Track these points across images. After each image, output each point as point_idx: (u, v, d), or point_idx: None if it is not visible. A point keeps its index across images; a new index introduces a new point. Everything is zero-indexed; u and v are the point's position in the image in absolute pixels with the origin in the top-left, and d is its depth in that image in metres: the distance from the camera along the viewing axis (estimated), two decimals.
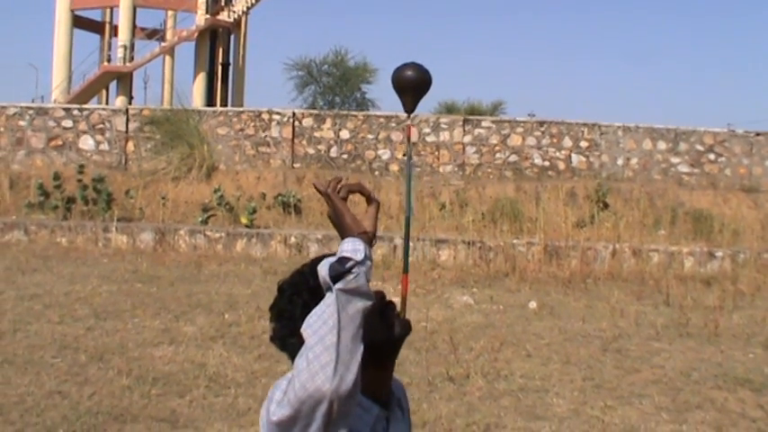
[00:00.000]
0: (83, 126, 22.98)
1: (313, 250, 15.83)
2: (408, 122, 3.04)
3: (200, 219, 17.43)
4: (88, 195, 18.01)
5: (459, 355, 8.50)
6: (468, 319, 10.60)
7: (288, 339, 2.26)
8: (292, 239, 16.08)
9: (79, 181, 18.03)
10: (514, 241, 15.74)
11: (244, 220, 17.05)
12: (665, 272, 14.87)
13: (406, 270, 2.72)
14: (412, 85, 2.92)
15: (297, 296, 2.27)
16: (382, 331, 2.23)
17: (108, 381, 7.27)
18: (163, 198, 18.55)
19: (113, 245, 16.28)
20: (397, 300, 2.37)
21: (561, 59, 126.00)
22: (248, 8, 45.01)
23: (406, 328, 2.29)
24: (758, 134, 23.16)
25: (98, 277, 12.63)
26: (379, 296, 2.27)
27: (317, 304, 2.18)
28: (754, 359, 9.07)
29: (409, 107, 2.96)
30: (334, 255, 2.28)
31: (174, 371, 7.64)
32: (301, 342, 2.22)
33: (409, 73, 2.89)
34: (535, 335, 9.80)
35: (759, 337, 10.16)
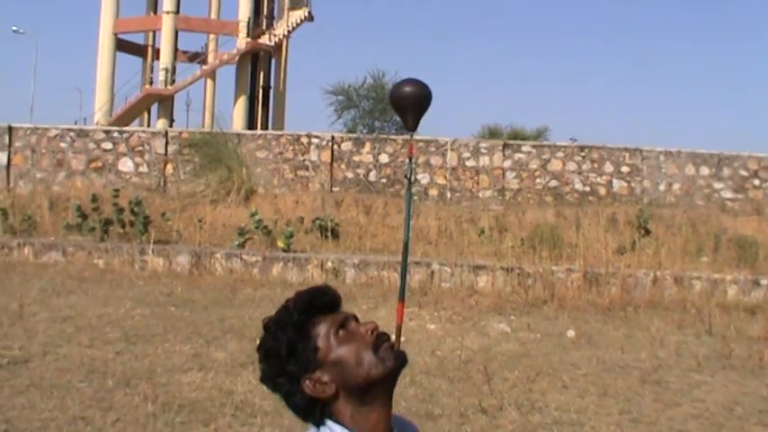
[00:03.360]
0: (122, 148, 23.09)
1: (350, 275, 15.67)
2: (411, 141, 2.92)
3: (236, 242, 17.33)
4: (125, 218, 18.01)
5: (494, 385, 8.28)
6: (504, 347, 10.37)
7: (277, 379, 2.16)
8: (329, 264, 15.92)
9: (115, 204, 18.00)
10: (554, 268, 15.47)
11: (281, 244, 16.93)
12: (707, 300, 14.52)
13: (401, 297, 2.59)
14: (411, 102, 2.80)
15: (281, 332, 2.14)
16: (377, 366, 2.10)
17: (133, 407, 7.13)
18: (199, 221, 18.49)
19: (149, 267, 16.22)
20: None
21: (605, 85, 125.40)
22: (289, 32, 45.23)
23: (402, 359, 2.15)
24: None
25: (132, 300, 12.54)
26: (372, 328, 2.14)
27: (302, 340, 2.12)
28: None
29: (411, 125, 2.83)
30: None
31: (201, 398, 7.48)
32: (291, 381, 2.11)
33: (408, 89, 2.77)
34: (572, 365, 9.54)
35: None
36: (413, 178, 2.85)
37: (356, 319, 2.20)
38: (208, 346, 9.67)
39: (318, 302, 2.18)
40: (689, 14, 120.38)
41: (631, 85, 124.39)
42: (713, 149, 22.79)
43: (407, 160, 3.05)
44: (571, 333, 11.41)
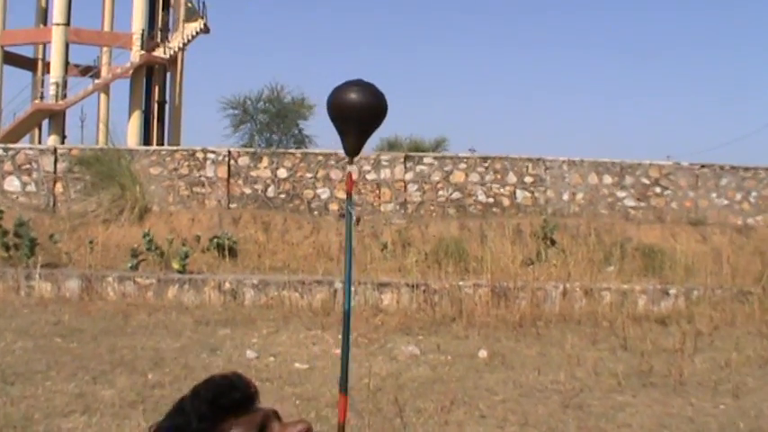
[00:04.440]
0: (8, 166, 21.96)
1: (249, 296, 14.96)
2: (350, 169, 2.17)
3: (129, 264, 16.49)
4: (10, 241, 17.00)
5: (407, 418, 7.67)
6: (415, 372, 9.79)
7: None
8: (227, 285, 15.18)
9: None
10: (460, 283, 14.99)
11: (175, 266, 16.13)
12: (618, 312, 14.25)
13: (343, 388, 1.96)
14: (357, 115, 2.04)
15: None
16: None
17: None
18: (90, 243, 17.59)
19: (36, 293, 15.27)
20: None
21: (502, 95, 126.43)
22: (185, 44, 44.21)
23: None
24: (703, 166, 22.89)
25: (14, 331, 11.63)
26: (303, 431, 1.52)
27: None
28: (726, 411, 8.38)
29: (351, 148, 2.10)
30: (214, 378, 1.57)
31: None
32: None
33: (353, 97, 2.01)
34: (488, 390, 9.00)
35: (726, 385, 9.47)
36: (354, 218, 2.13)
37: (278, 417, 1.57)
38: (94, 382, 8.86)
39: (226, 401, 1.54)
40: (583, 22, 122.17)
41: (528, 95, 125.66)
42: (615, 158, 22.71)
43: (346, 198, 2.27)
44: (483, 354, 10.89)
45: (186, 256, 16.32)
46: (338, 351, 10.78)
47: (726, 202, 22.67)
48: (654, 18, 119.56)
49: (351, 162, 2.00)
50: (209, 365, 9.64)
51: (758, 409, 8.47)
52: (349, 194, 2.10)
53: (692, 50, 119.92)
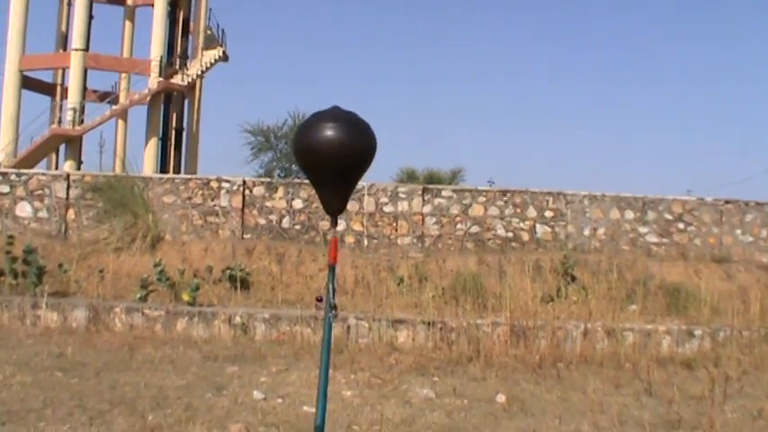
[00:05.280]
0: (20, 192, 21.63)
1: (260, 331, 14.53)
2: (332, 235, 1.72)
3: (138, 295, 16.08)
4: (18, 268, 16.63)
5: None
6: (429, 418, 9.25)
7: None
8: (237, 319, 14.75)
9: (8, 253, 16.63)
10: (478, 321, 14.51)
11: (185, 298, 15.71)
12: (641, 353, 13.74)
13: None
14: (337, 157, 1.59)
15: None
16: None
17: None
18: (100, 271, 17.22)
19: (42, 323, 14.90)
20: None
21: (520, 126, 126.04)
22: (203, 72, 44.17)
23: None
24: (728, 202, 22.37)
25: (14, 364, 11.19)
26: None
27: None
28: None
29: (335, 203, 1.63)
30: None
31: None
32: None
33: (330, 135, 1.56)
34: None
35: None
36: (332, 301, 1.68)
37: None
38: (90, 424, 8.36)
39: None
40: (601, 53, 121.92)
41: (547, 126, 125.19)
42: (637, 193, 22.22)
43: (328, 272, 1.79)
44: (501, 398, 10.36)
45: (197, 288, 15.92)
46: (349, 393, 10.33)
47: (751, 238, 22.14)
48: (680, 50, 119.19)
49: (334, 224, 1.53)
50: (213, 406, 9.17)
51: None
52: (332, 266, 1.64)
53: (714, 82, 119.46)
